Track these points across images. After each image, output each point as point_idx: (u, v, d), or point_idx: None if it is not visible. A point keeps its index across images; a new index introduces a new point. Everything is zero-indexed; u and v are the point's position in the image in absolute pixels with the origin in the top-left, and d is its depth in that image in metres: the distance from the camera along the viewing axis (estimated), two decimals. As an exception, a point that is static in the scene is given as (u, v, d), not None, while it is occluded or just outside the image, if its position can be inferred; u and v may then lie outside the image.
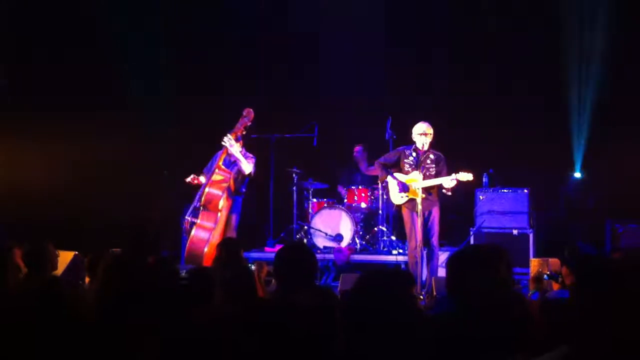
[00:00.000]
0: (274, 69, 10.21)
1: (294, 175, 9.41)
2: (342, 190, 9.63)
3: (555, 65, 9.39)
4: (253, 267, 5.43)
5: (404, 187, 7.24)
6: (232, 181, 7.41)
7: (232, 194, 7.45)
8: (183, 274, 3.67)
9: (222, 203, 7.31)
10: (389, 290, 2.43)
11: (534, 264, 7.31)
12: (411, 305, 2.46)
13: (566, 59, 9.33)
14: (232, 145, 7.36)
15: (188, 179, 7.53)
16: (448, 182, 7.02)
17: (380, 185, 8.73)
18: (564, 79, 9.35)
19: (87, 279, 5.03)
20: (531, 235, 8.28)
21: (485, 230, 8.42)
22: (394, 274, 2.60)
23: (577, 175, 9.43)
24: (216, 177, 7.36)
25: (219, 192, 7.30)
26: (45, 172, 9.16)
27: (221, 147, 7.52)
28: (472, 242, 8.37)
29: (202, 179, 7.53)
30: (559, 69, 9.37)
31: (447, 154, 7.47)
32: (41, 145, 9.20)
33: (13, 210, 8.62)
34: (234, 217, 7.50)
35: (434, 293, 6.74)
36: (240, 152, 7.45)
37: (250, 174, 7.48)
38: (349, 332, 2.40)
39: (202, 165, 7.73)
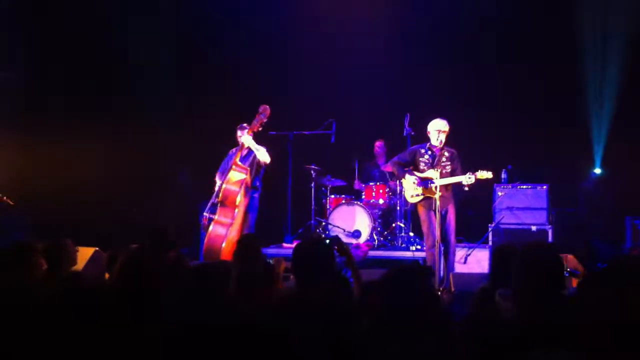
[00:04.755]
0: (291, 66, 10.21)
1: (312, 172, 9.43)
2: (359, 186, 9.62)
3: (574, 63, 9.33)
4: (271, 263, 5.44)
5: (424, 183, 7.22)
6: (248, 176, 7.45)
7: (249, 189, 7.49)
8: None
9: (239, 199, 7.33)
10: (414, 285, 2.45)
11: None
12: (435, 299, 2.48)
13: (585, 56, 9.27)
14: (248, 139, 7.42)
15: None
16: (466, 179, 7.02)
17: (398, 182, 8.74)
18: (584, 77, 9.29)
19: (106, 275, 5.08)
20: (550, 232, 8.24)
21: (504, 226, 8.38)
22: (417, 270, 2.61)
23: (597, 171, 9.36)
24: (233, 173, 7.38)
25: (236, 188, 7.32)
26: (66, 171, 9.25)
27: (235, 145, 7.58)
28: (490, 238, 8.33)
29: (218, 181, 7.58)
30: (579, 66, 9.31)
31: (467, 150, 7.45)
32: (57, 145, 9.30)
33: (35, 209, 8.71)
34: (250, 213, 7.53)
35: (452, 289, 6.72)
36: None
37: (266, 163, 7.52)
38: (375, 328, 2.41)
39: (219, 163, 7.78)
